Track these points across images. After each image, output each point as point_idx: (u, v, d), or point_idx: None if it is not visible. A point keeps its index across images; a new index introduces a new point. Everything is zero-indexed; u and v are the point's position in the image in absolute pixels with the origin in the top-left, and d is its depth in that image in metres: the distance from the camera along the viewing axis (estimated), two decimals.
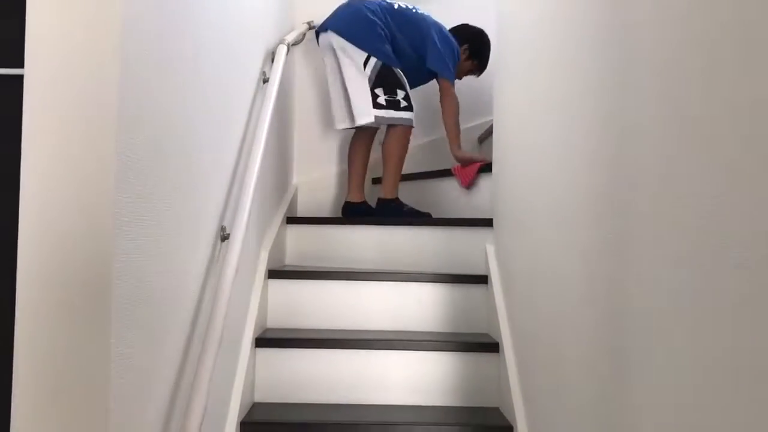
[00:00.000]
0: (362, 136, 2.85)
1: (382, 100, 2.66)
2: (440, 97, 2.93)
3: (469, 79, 3.33)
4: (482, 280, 2.29)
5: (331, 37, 2.68)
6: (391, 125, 2.72)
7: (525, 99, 1.83)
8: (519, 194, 1.88)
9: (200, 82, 1.36)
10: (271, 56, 2.28)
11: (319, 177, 3.26)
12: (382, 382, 2.04)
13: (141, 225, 1.03)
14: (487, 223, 2.44)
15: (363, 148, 2.86)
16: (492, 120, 2.49)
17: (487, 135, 3.20)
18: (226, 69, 1.62)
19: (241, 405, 1.80)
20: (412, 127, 2.75)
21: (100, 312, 0.91)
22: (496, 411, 1.98)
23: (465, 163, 2.82)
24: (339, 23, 2.69)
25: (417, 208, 2.84)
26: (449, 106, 2.90)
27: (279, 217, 2.58)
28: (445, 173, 2.97)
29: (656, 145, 0.92)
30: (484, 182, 2.71)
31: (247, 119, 1.90)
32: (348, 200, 2.87)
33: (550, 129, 1.53)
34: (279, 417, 1.89)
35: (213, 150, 1.49)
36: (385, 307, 2.28)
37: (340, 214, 3.12)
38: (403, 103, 2.70)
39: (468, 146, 3.46)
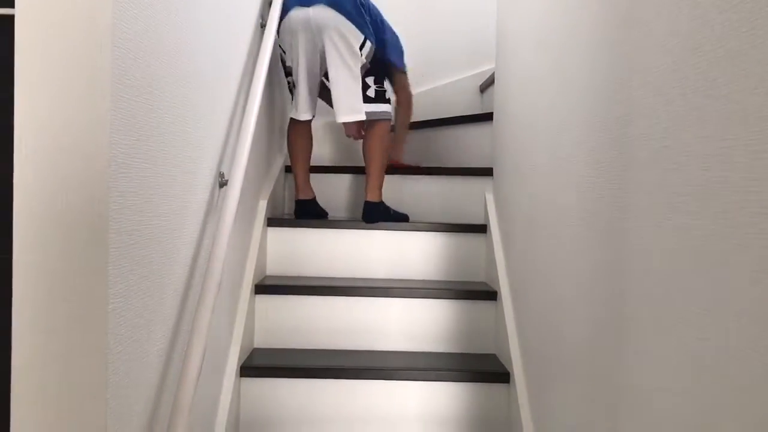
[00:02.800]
0: (304, 124, 2.46)
1: (371, 91, 2.36)
2: (397, 92, 2.69)
3: (469, 26, 3.27)
4: (481, 229, 2.29)
5: (322, 12, 2.24)
6: (374, 120, 2.38)
7: (526, 45, 1.80)
8: (518, 141, 1.87)
9: (198, 24, 1.33)
10: (269, 0, 2.24)
11: (319, 125, 3.23)
12: (380, 328, 2.06)
13: (138, 167, 1.02)
14: (487, 172, 2.43)
15: (307, 138, 2.49)
16: (493, 68, 2.45)
17: (488, 84, 3.17)
18: (224, 12, 1.59)
19: (241, 350, 1.83)
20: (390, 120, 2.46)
21: (97, 253, 0.91)
22: (493, 357, 2.01)
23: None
24: None
25: (396, 209, 2.59)
26: (409, 106, 2.71)
27: (278, 166, 2.57)
28: (446, 122, 2.94)
29: (658, 84, 0.91)
30: (486, 131, 2.69)
31: (244, 65, 1.87)
32: (300, 198, 2.49)
33: (550, 72, 1.51)
34: (278, 362, 1.92)
35: (211, 94, 1.47)
36: (384, 255, 2.29)
37: (340, 162, 3.11)
38: (388, 95, 2.44)
39: (470, 94, 3.43)
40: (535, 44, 1.72)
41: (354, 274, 2.28)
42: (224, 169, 1.61)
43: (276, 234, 2.28)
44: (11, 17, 0.92)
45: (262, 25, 2.11)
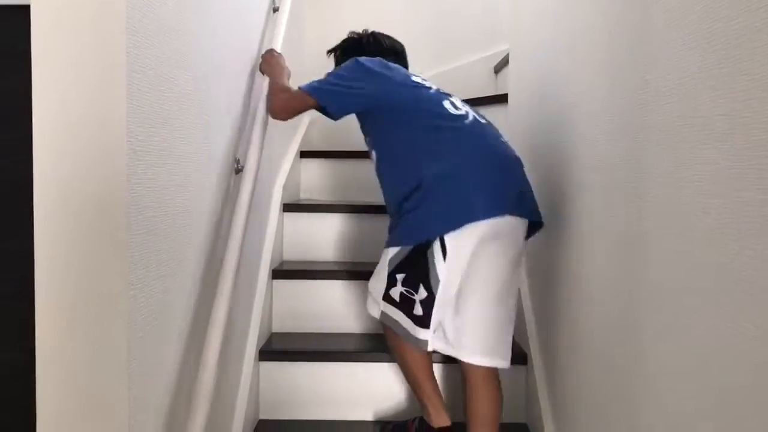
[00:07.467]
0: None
1: None
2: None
3: (482, 7, 3.24)
4: None
5: (522, 227, 1.54)
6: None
7: (541, 24, 1.79)
8: (534, 122, 1.85)
9: (210, 10, 1.33)
10: None
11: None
12: None
13: (155, 156, 1.02)
14: None
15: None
16: (507, 49, 2.43)
17: (502, 65, 3.14)
18: None
19: (259, 335, 1.85)
20: None
21: (116, 242, 0.92)
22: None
23: None
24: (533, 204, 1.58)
25: None
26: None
27: (293, 151, 2.57)
28: None
29: (675, 60, 0.90)
30: (500, 112, 2.67)
31: (258, 50, 1.87)
32: (440, 426, 1.66)
33: (565, 51, 1.50)
34: (296, 346, 1.94)
35: (225, 79, 1.47)
36: None
37: (353, 148, 3.08)
38: None
39: (484, 75, 3.39)
40: (549, 23, 1.70)
41: (370, 258, 2.29)
42: (240, 156, 1.61)
43: (292, 219, 2.29)
44: (27, 8, 0.92)
45: (275, 9, 2.10)
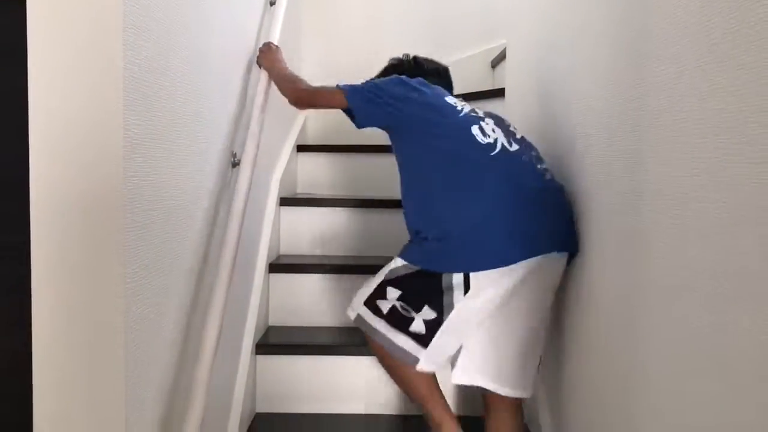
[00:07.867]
0: None
1: None
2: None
3: (480, 1, 3.23)
4: None
5: (561, 259, 1.45)
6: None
7: (540, 20, 1.78)
8: (531, 117, 1.86)
9: (206, 3, 1.32)
10: None
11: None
12: None
13: (151, 148, 1.02)
14: None
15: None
16: (504, 44, 2.42)
17: (500, 59, 3.14)
18: None
19: (256, 328, 1.85)
20: None
21: (113, 234, 0.92)
22: None
23: None
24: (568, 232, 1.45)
25: None
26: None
27: (289, 145, 2.57)
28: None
29: (673, 56, 0.90)
30: (497, 106, 2.67)
31: (255, 43, 1.86)
32: None
33: (566, 47, 1.50)
34: (292, 339, 1.94)
35: (221, 72, 1.47)
36: (397, 234, 2.29)
37: (350, 142, 3.09)
38: None
39: (481, 70, 3.39)
40: (547, 17, 1.70)
41: (369, 253, 2.29)
42: (236, 149, 1.61)
43: (289, 213, 2.29)
44: (23, 1, 0.92)
45: (272, 3, 2.10)
